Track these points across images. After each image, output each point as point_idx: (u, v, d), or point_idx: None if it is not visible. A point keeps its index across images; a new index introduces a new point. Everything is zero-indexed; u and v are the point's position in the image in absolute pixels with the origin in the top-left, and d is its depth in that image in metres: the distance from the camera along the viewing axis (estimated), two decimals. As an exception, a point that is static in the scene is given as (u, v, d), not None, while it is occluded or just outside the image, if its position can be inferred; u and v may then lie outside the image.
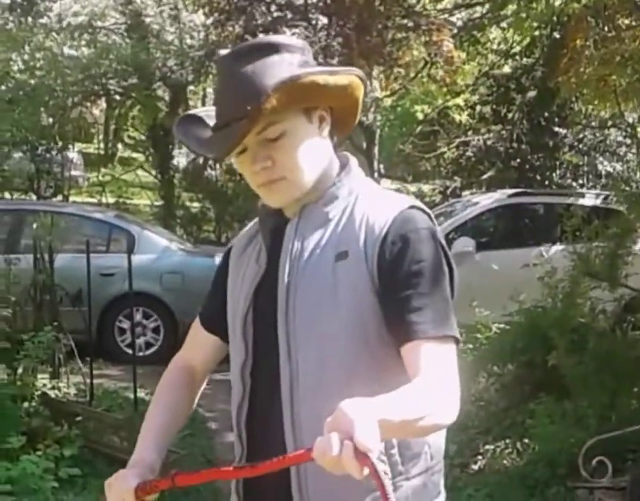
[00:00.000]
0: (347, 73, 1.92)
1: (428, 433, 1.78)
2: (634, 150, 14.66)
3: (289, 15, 13.42)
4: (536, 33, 12.24)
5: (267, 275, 1.92)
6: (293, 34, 13.52)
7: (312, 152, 1.89)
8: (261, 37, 1.88)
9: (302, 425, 1.82)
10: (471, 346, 7.18)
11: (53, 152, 15.10)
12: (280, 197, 1.90)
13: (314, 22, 13.42)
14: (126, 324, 9.21)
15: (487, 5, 13.03)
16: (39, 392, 6.15)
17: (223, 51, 1.93)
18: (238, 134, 1.78)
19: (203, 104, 20.11)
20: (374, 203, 1.89)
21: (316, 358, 1.82)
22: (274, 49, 1.84)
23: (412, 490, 1.87)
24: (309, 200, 1.91)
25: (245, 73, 1.80)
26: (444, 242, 1.89)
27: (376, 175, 16.35)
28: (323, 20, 13.39)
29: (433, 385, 1.70)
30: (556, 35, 11.90)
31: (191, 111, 2.05)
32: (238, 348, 1.94)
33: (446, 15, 14.36)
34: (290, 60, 1.84)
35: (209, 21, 14.84)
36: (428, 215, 1.91)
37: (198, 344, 2.14)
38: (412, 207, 1.89)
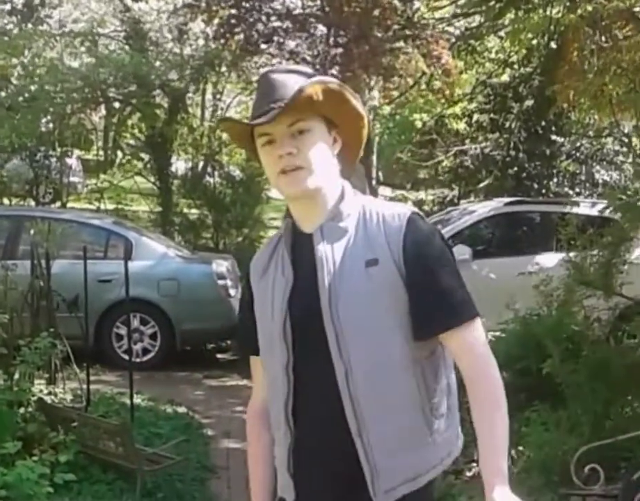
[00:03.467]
0: (363, 109, 2.26)
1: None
2: (630, 159, 14.69)
3: (289, 25, 13.46)
4: (533, 42, 12.27)
5: (296, 285, 2.21)
6: (295, 44, 13.60)
7: (326, 157, 2.20)
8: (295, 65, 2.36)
9: (361, 406, 2.12)
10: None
11: (52, 158, 15.14)
12: (297, 185, 2.16)
13: (313, 32, 13.45)
14: (123, 330, 9.23)
15: (485, 15, 13.06)
16: (35, 398, 6.15)
17: (265, 70, 2.29)
18: (284, 106, 2.10)
19: (202, 113, 20.17)
20: (382, 213, 2.20)
21: (366, 351, 2.12)
22: (304, 73, 2.22)
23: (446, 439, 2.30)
24: (331, 216, 2.20)
25: (287, 77, 2.17)
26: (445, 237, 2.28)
27: (374, 182, 16.40)
28: (322, 30, 13.43)
29: (492, 380, 2.24)
30: (553, 44, 11.94)
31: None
32: (280, 351, 2.19)
33: (444, 24, 14.41)
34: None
35: (209, 29, 14.88)
36: (423, 218, 2.24)
37: (260, 375, 2.36)
38: (413, 212, 2.22)
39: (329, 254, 2.17)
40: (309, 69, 2.31)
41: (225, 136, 16.67)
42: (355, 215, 2.21)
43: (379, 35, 12.86)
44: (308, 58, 13.70)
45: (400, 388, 2.15)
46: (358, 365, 2.12)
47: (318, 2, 13.37)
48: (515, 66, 15.26)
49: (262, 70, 2.31)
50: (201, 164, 16.83)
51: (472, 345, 2.19)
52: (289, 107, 2.10)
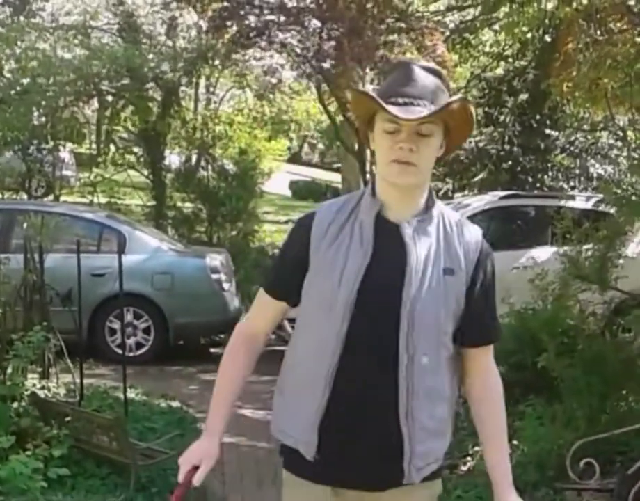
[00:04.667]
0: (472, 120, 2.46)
1: None
2: (625, 153, 14.69)
3: (282, 18, 13.41)
4: (528, 35, 12.26)
5: (373, 263, 2.36)
6: (286, 37, 13.55)
7: (433, 160, 2.41)
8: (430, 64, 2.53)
9: (413, 394, 2.35)
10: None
11: (45, 152, 15.06)
12: (407, 177, 2.35)
13: (306, 25, 13.41)
14: (116, 324, 9.21)
15: (479, 8, 13.05)
16: (28, 392, 6.12)
17: (405, 59, 2.54)
18: (432, 113, 2.29)
19: (195, 106, 20.11)
20: (460, 226, 2.46)
21: (429, 348, 2.36)
22: (438, 74, 2.41)
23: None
24: (417, 213, 2.41)
25: (426, 76, 2.35)
26: None
27: (368, 176, 16.37)
28: (316, 23, 13.38)
29: (499, 387, 2.61)
30: (548, 38, 11.93)
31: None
32: (340, 317, 2.34)
33: (438, 17, 14.39)
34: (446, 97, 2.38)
35: (202, 21, 14.84)
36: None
37: (266, 312, 2.57)
38: (482, 233, 2.49)
39: (418, 251, 2.36)
40: (440, 70, 2.47)
41: (218, 129, 16.69)
42: (436, 220, 2.43)
43: (373, 28, 12.83)
44: (299, 51, 13.67)
45: (444, 384, 2.44)
46: (420, 359, 2.35)
47: (313, -5, 13.32)
48: (510, 59, 15.25)
49: (400, 58, 2.45)
50: (194, 158, 16.78)
51: (493, 363, 2.59)
52: (433, 114, 2.29)
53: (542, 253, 9.04)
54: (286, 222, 19.43)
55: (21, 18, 16.77)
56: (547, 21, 9.98)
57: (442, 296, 2.37)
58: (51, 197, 15.58)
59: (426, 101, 2.30)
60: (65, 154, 17.35)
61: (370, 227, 2.38)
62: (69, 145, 18.02)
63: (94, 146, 23.90)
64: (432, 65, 2.47)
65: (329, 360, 2.35)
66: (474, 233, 2.47)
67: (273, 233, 17.48)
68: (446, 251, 2.40)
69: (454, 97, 2.34)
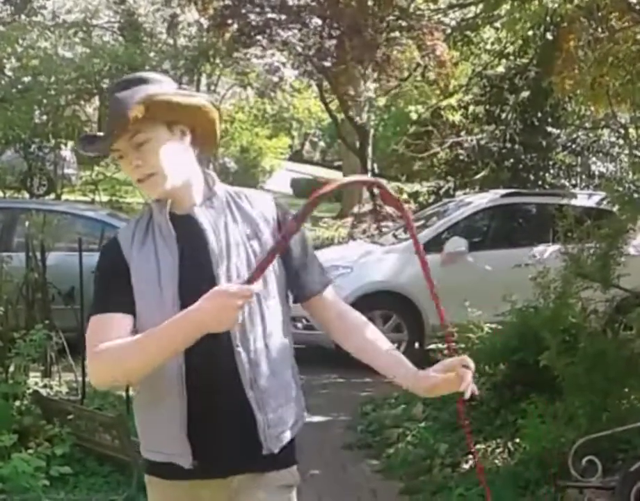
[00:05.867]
0: (199, 97, 2.47)
1: None
2: (626, 151, 14.68)
3: (283, 17, 13.42)
4: (529, 33, 12.25)
5: (183, 256, 2.39)
6: (287, 36, 13.55)
7: (174, 155, 2.40)
8: (134, 73, 2.53)
9: (254, 362, 2.39)
10: (463, 345, 7.18)
11: (46, 150, 15.06)
12: (154, 189, 2.41)
13: (307, 23, 13.42)
14: (118, 322, 9.19)
15: (480, 5, 13.04)
16: (30, 391, 6.13)
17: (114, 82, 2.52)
18: (111, 137, 2.34)
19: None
20: (250, 197, 2.51)
21: (259, 313, 2.41)
22: (142, 80, 2.40)
23: None
24: (202, 197, 2.45)
25: (119, 96, 2.34)
26: None
27: (369, 174, 16.37)
28: (317, 22, 13.38)
29: (362, 317, 2.62)
30: (549, 35, 11.91)
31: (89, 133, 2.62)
32: (169, 316, 2.28)
33: (439, 15, 14.38)
34: (154, 88, 2.36)
35: (202, 19, 14.84)
36: None
37: (116, 329, 2.38)
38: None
39: (217, 230, 2.41)
40: (151, 75, 2.48)
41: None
42: (224, 197, 2.48)
43: (374, 26, 12.83)
44: (300, 50, 13.68)
45: (283, 347, 2.47)
46: (254, 328, 2.40)
47: (314, -7, 13.32)
48: (511, 57, 15.22)
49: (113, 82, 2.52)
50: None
51: (343, 302, 2.62)
52: (116, 136, 2.33)
53: (544, 251, 9.03)
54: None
55: (23, 16, 16.77)
56: (548, 18, 9.97)
57: (250, 260, 2.41)
58: (52, 195, 15.58)
59: (114, 126, 2.33)
60: (66, 153, 17.33)
61: (166, 224, 2.42)
62: (71, 143, 18.02)
63: (95, 144, 23.86)
64: (134, 75, 2.47)
65: (179, 361, 2.35)
66: (264, 197, 2.55)
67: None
68: (244, 220, 2.46)
69: (131, 102, 2.30)
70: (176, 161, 2.41)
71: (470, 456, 5.91)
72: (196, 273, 2.38)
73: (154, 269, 2.40)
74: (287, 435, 2.47)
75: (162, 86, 2.41)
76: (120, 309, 2.40)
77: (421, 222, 10.62)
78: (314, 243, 15.08)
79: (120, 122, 2.30)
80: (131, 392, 6.98)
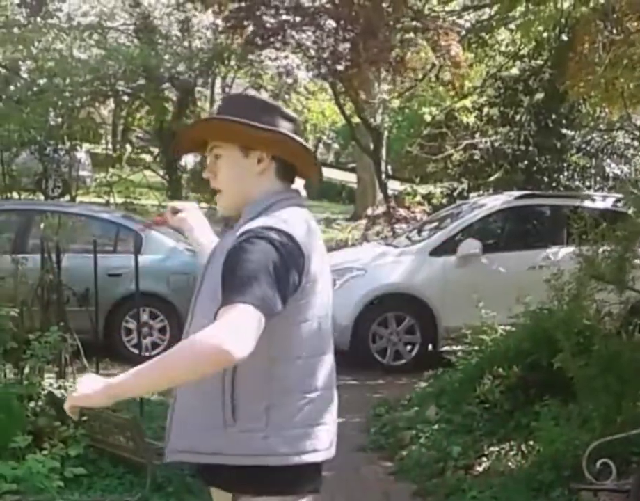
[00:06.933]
0: (275, 130, 2.46)
1: None
2: (641, 153, 14.64)
3: (297, 19, 13.42)
4: (544, 35, 12.21)
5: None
6: (301, 38, 13.55)
7: (240, 179, 2.48)
8: (253, 93, 2.94)
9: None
10: (476, 347, 7.18)
11: (61, 152, 15.12)
12: (219, 205, 2.56)
13: (322, 25, 13.41)
14: (132, 324, 9.22)
15: (495, 7, 13.01)
16: (45, 392, 6.15)
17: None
18: (183, 136, 2.69)
19: (211, 106, 20.15)
20: (245, 224, 2.42)
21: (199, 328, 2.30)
22: (253, 101, 2.58)
23: None
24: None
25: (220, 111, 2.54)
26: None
27: (383, 176, 16.37)
28: (331, 24, 13.38)
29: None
30: (564, 37, 11.89)
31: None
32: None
33: (454, 17, 14.36)
34: (252, 114, 2.45)
35: (218, 20, 14.85)
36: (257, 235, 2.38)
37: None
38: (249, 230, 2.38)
39: (212, 254, 2.58)
40: (262, 98, 2.65)
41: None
42: (239, 226, 2.49)
43: (388, 27, 12.82)
44: (314, 52, 13.69)
45: None
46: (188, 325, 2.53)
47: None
48: (526, 59, 15.17)
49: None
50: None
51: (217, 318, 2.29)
52: (193, 131, 2.70)
53: (558, 253, 9.01)
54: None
55: (38, 19, 16.83)
56: (563, 20, 9.95)
57: (204, 284, 2.49)
58: (67, 197, 15.64)
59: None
60: (81, 155, 17.42)
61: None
62: (86, 146, 18.09)
63: (110, 146, 23.98)
64: (252, 96, 2.71)
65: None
66: (249, 226, 2.38)
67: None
68: (220, 246, 2.51)
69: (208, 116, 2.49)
70: (239, 185, 2.49)
71: (484, 459, 5.91)
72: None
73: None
74: (183, 456, 2.48)
75: (266, 118, 2.47)
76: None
77: (435, 224, 10.62)
78: (327, 246, 15.11)
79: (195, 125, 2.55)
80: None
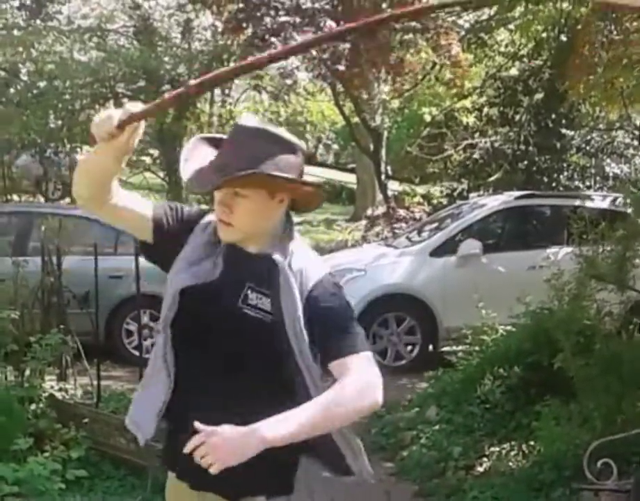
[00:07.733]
0: (312, 185, 2.54)
1: None
2: (641, 152, 14.65)
3: (297, 20, 13.42)
4: (544, 35, 12.23)
5: (215, 282, 2.50)
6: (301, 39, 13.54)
7: (260, 218, 2.47)
8: (277, 129, 2.55)
9: None
10: (477, 348, 7.19)
11: (61, 155, 15.15)
12: (225, 236, 2.49)
13: (322, 27, 13.41)
14: (133, 326, 9.22)
15: (494, 8, 13.02)
16: (46, 394, 6.16)
17: (246, 122, 2.53)
18: (212, 185, 2.43)
19: (211, 108, 20.18)
20: (303, 273, 2.47)
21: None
22: (290, 149, 2.48)
23: None
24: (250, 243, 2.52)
25: (245, 151, 2.42)
26: None
27: (383, 177, 16.37)
28: (331, 25, 13.38)
29: None
30: (564, 37, 11.89)
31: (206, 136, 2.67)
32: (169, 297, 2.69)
33: (453, 17, 14.36)
34: (277, 159, 2.43)
35: (218, 22, 14.86)
36: None
37: (138, 206, 2.59)
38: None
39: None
40: (295, 142, 2.50)
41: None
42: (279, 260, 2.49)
43: (388, 27, 12.82)
44: (314, 53, 13.68)
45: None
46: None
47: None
48: (525, 59, 15.19)
49: (245, 122, 2.55)
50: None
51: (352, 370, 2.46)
52: (224, 185, 2.43)
53: (558, 253, 9.02)
54: (300, 223, 19.44)
55: (38, 21, 16.85)
56: (562, 20, 9.95)
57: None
58: (67, 199, 15.65)
59: (224, 172, 2.39)
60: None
61: (224, 252, 2.58)
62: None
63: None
64: (259, 125, 2.52)
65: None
66: (313, 272, 2.50)
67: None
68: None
69: (243, 173, 2.37)
70: (259, 222, 2.49)
71: (484, 459, 5.92)
72: (203, 300, 2.60)
73: (191, 259, 2.61)
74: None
75: (287, 157, 2.46)
76: (157, 221, 2.63)
77: (435, 224, 10.62)
78: (327, 247, 15.10)
79: (226, 180, 2.39)
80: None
